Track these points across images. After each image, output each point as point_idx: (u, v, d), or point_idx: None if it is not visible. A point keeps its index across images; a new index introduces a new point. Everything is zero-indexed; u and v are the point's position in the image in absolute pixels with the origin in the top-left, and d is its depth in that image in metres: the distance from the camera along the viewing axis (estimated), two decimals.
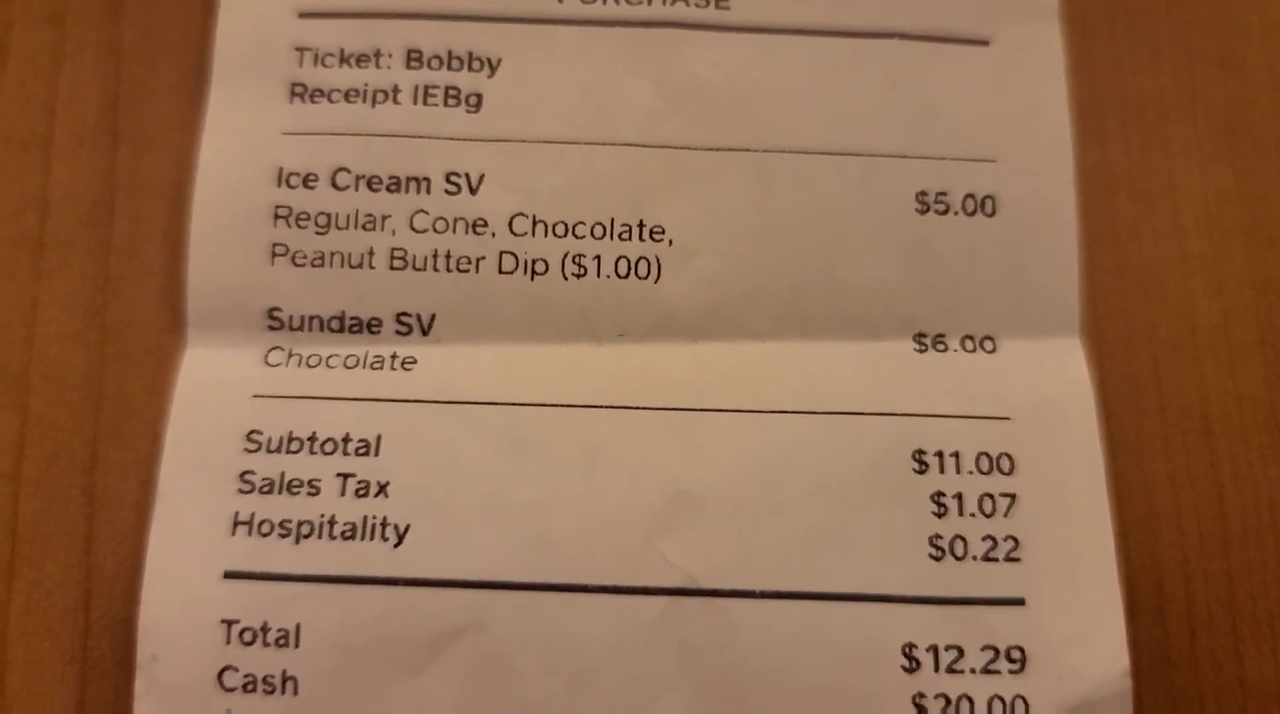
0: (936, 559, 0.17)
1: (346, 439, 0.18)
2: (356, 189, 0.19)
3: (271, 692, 0.17)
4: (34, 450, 0.18)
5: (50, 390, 0.18)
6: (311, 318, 0.18)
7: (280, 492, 0.17)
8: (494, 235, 0.18)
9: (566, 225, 0.18)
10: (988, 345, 0.18)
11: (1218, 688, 0.18)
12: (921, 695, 0.16)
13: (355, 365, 0.18)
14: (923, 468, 0.17)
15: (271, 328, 0.18)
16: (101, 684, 0.18)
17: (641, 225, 0.19)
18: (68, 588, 0.18)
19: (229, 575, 0.17)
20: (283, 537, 0.17)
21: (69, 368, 0.19)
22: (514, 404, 0.18)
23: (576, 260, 0.18)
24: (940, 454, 0.17)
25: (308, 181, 0.19)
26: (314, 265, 0.18)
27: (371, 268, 0.18)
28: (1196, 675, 0.18)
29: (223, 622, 0.17)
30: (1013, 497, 0.17)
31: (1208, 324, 0.19)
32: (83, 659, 0.18)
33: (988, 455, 0.18)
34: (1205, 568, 0.18)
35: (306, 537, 0.17)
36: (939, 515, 0.17)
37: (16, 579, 0.18)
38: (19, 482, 0.18)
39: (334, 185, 0.19)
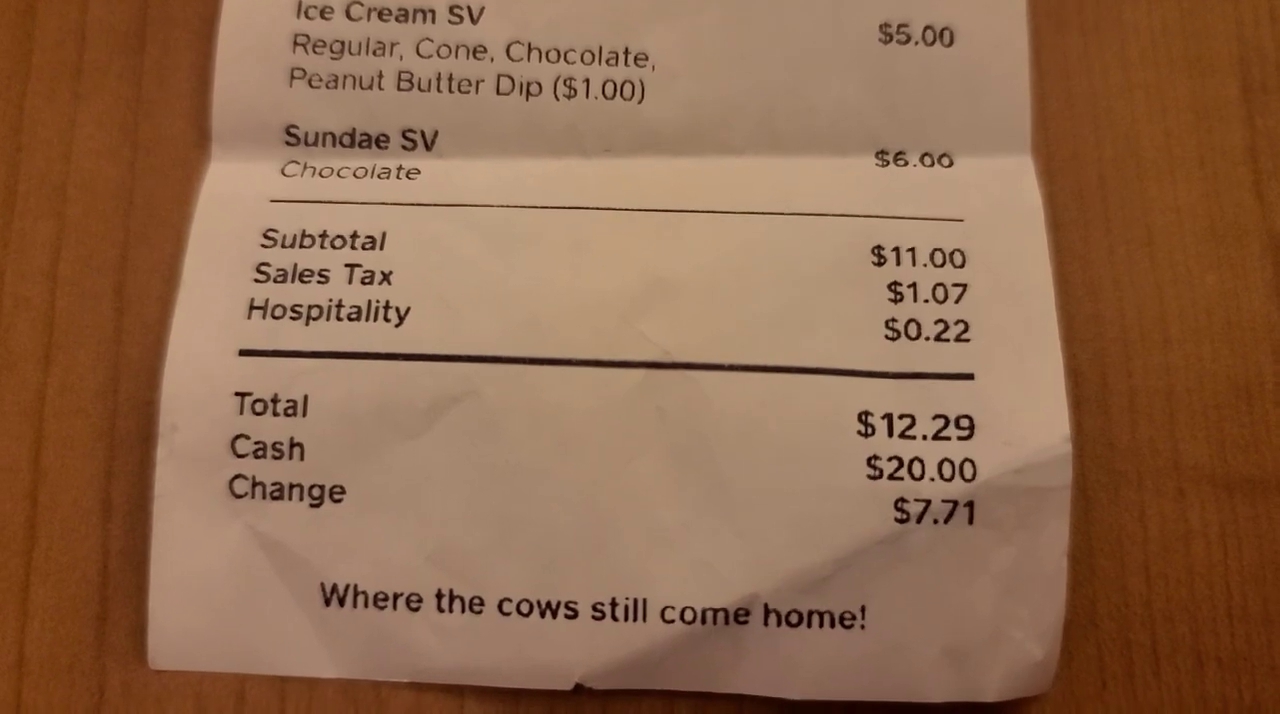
0: (892, 339, 0.18)
1: (354, 235, 0.19)
2: (368, 19, 0.20)
3: (280, 457, 0.18)
4: (70, 252, 0.20)
5: (85, 199, 0.20)
6: (325, 134, 0.20)
7: (293, 280, 0.19)
8: (492, 60, 0.20)
9: (559, 51, 0.20)
10: (945, 161, 0.20)
11: (1155, 470, 0.19)
12: (876, 457, 0.18)
13: (364, 175, 0.20)
14: (881, 261, 0.19)
15: (289, 143, 0.20)
16: (128, 456, 0.19)
17: (627, 52, 0.20)
18: (98, 373, 0.19)
19: (244, 353, 0.19)
20: (294, 319, 0.19)
21: (102, 179, 0.20)
22: (508, 206, 0.19)
23: (567, 83, 0.20)
24: (897, 249, 0.19)
25: (324, 13, 0.20)
26: (329, 87, 0.20)
27: (380, 89, 0.20)
28: (1137, 459, 0.19)
29: (236, 394, 0.18)
30: (964, 286, 0.19)
31: (1150, 144, 0.20)
32: (111, 435, 0.19)
33: (941, 251, 0.19)
34: (1146, 363, 0.19)
35: (316, 319, 0.19)
36: (895, 302, 0.19)
37: (53, 365, 0.20)
38: (56, 280, 0.20)
39: (348, 16, 0.20)
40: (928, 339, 0.18)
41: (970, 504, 0.18)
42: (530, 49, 0.20)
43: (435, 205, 0.19)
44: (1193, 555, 0.19)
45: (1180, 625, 0.18)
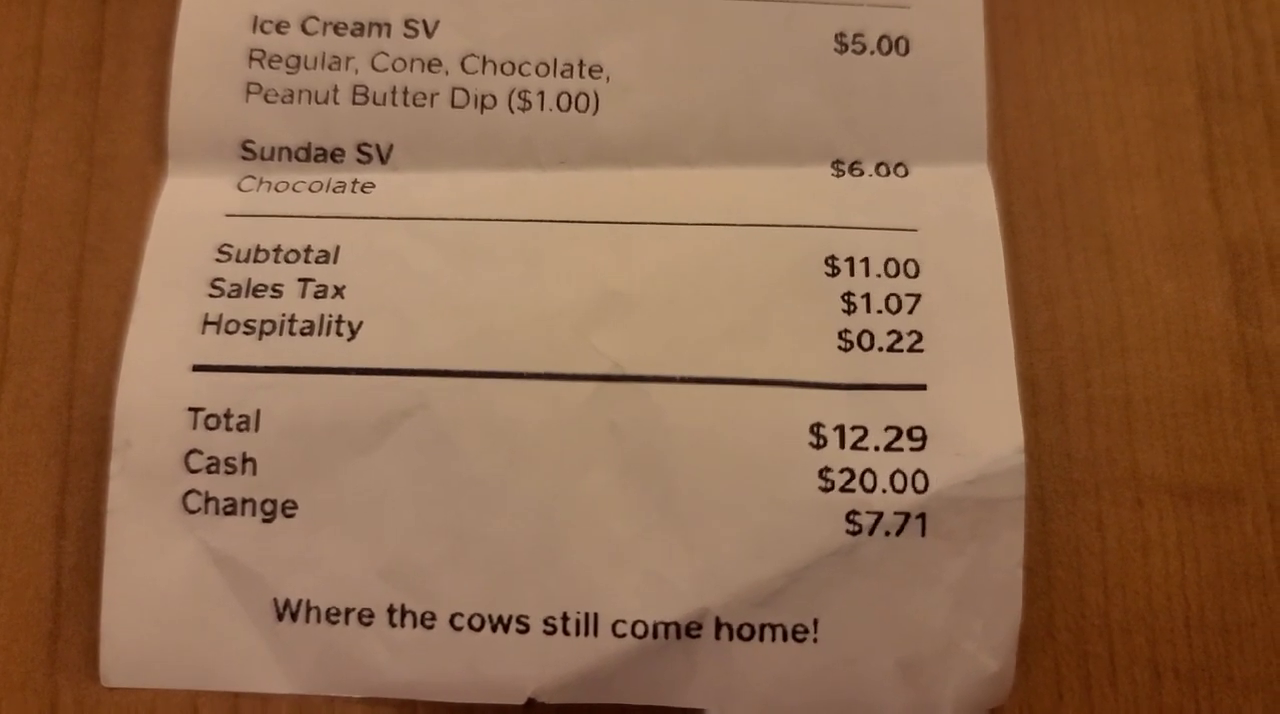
0: (844, 350, 0.18)
1: (308, 249, 0.19)
2: (324, 34, 0.20)
3: (232, 472, 0.18)
4: (25, 268, 0.20)
5: (41, 215, 0.20)
6: (281, 148, 0.20)
7: (247, 295, 0.19)
8: (447, 74, 0.20)
9: (513, 64, 0.20)
10: (900, 171, 0.20)
11: (1113, 480, 0.19)
12: (827, 469, 0.18)
13: (319, 189, 0.20)
14: (834, 272, 0.19)
15: (244, 158, 0.20)
16: (81, 473, 0.19)
17: (581, 64, 0.20)
18: (53, 389, 0.19)
19: (197, 368, 0.19)
20: (247, 334, 0.19)
21: (58, 195, 0.20)
22: (462, 219, 0.19)
23: (522, 95, 0.20)
24: (850, 260, 0.19)
25: (280, 27, 0.20)
26: (284, 102, 0.20)
27: (336, 103, 0.20)
28: (1095, 469, 0.19)
29: (190, 409, 0.18)
30: (917, 297, 0.19)
31: (1108, 153, 0.20)
32: (65, 452, 0.19)
33: (895, 261, 0.19)
34: (1104, 372, 0.19)
35: (269, 333, 0.19)
36: (848, 312, 0.19)
37: (6, 382, 0.19)
38: (11, 296, 0.20)
39: (304, 30, 0.20)
40: (880, 350, 0.18)
41: (923, 516, 0.18)
42: (485, 62, 0.20)
43: (389, 218, 0.19)
44: (1151, 565, 0.19)
45: (1138, 636, 0.18)
